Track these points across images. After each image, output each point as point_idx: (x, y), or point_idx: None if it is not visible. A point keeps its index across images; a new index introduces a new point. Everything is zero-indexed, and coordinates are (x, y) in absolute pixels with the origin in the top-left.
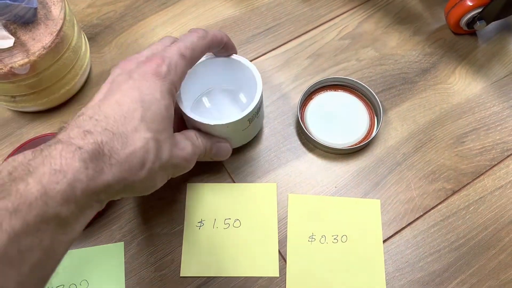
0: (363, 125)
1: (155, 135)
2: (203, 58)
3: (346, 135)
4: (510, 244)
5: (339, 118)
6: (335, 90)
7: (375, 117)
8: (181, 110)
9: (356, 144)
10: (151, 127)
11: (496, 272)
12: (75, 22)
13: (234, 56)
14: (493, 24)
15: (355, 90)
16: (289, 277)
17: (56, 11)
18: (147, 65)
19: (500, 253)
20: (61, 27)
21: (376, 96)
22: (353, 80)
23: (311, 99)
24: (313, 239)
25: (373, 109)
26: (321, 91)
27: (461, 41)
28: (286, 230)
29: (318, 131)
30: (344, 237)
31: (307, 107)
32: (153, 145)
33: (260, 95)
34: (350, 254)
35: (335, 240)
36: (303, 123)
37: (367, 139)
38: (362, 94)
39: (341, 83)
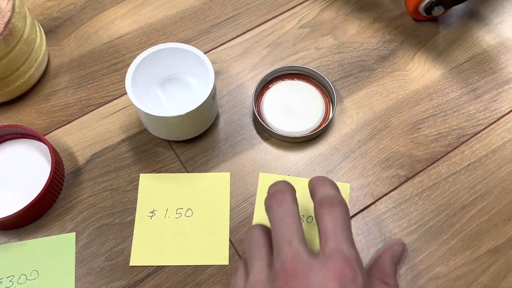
0: (318, 114)
1: None
2: (154, 49)
3: (302, 123)
4: (461, 230)
5: (295, 106)
6: (292, 79)
7: (331, 105)
8: (134, 105)
9: (309, 133)
10: None
11: (446, 257)
12: (27, 14)
13: (184, 46)
14: (455, 10)
15: (312, 78)
16: None
17: (3, 3)
18: None
19: (451, 239)
20: (9, 19)
21: (331, 84)
22: (308, 69)
23: (268, 88)
24: None
25: (329, 97)
26: (278, 80)
27: (421, 27)
28: (238, 219)
29: (275, 120)
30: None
31: (263, 96)
32: None
33: (212, 85)
34: (313, 237)
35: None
36: (259, 112)
37: (321, 127)
38: (319, 83)
39: (297, 71)
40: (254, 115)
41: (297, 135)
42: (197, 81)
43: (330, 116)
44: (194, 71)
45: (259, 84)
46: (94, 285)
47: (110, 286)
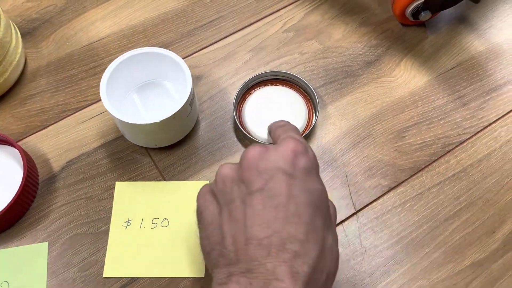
0: (300, 120)
1: None
2: (131, 53)
3: None
4: (444, 243)
5: (277, 113)
6: (275, 85)
7: (314, 111)
8: (108, 112)
9: None
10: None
11: (428, 271)
12: (1, 16)
13: (162, 51)
14: (443, 15)
15: (295, 84)
16: None
17: None
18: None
19: (434, 252)
20: None
21: (314, 91)
22: (291, 74)
23: (250, 94)
24: None
25: (312, 103)
26: (260, 85)
27: (409, 32)
28: None
29: (256, 127)
30: None
31: (245, 102)
32: None
33: (189, 93)
34: None
35: None
36: (240, 119)
37: (303, 135)
38: (302, 89)
39: (280, 77)
40: (235, 121)
41: None
42: (175, 86)
43: (313, 123)
44: (172, 76)
45: (241, 89)
46: None
47: None
